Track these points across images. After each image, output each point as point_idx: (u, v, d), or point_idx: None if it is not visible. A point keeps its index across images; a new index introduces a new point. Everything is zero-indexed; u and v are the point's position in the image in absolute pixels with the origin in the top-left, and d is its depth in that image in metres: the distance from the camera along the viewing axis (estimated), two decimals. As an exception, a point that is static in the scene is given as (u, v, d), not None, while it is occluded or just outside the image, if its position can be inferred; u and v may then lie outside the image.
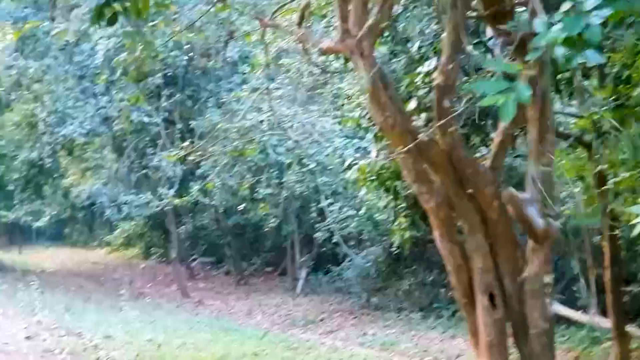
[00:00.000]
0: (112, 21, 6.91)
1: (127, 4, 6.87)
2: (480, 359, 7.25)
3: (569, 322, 16.44)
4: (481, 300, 7.10)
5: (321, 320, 21.42)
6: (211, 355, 13.80)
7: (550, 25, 3.12)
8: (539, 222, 6.36)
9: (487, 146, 10.44)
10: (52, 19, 18.89)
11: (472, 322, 7.35)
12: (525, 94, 3.07)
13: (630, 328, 13.02)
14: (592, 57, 3.27)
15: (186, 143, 13.39)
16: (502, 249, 7.20)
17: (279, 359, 14.22)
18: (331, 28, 11.51)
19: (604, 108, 9.56)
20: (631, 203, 9.29)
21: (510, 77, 3.64)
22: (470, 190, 7.16)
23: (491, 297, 7.10)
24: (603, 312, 15.81)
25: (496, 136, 7.58)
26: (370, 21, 6.82)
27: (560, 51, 3.16)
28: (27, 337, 12.60)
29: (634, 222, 3.65)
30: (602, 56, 3.40)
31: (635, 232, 3.62)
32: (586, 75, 10.41)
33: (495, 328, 7.07)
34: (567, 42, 3.12)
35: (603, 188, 10.57)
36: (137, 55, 11.69)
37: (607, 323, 14.88)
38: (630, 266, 16.32)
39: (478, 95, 9.10)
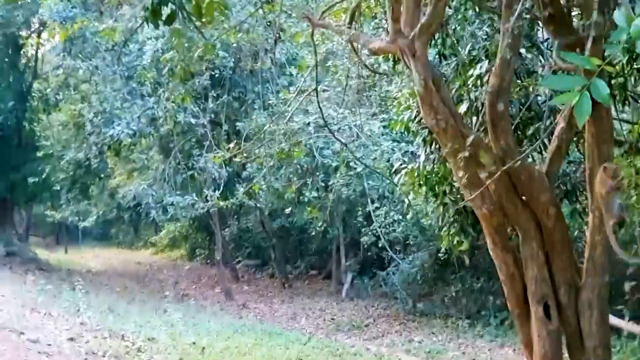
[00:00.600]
0: (170, 20, 6.68)
1: (187, 4, 6.64)
2: (534, 373, 7.00)
3: (619, 332, 16.09)
4: (535, 311, 6.86)
5: (366, 325, 21.25)
6: (255, 359, 13.67)
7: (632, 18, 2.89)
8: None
9: (539, 151, 10.18)
10: (101, 13, 18.80)
11: (526, 333, 7.11)
12: (603, 91, 2.83)
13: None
14: (678, 53, 3.04)
15: (232, 144, 13.23)
16: (558, 258, 6.95)
17: (323, 364, 14.06)
18: (380, 30, 11.32)
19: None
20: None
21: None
22: (524, 197, 6.95)
23: (546, 308, 6.86)
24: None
25: (552, 141, 7.33)
26: (422, 21, 6.62)
27: (643, 46, 2.92)
28: (70, 339, 12.54)
29: None
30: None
31: None
32: (641, 81, 10.10)
33: (550, 340, 6.82)
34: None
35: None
36: (184, 55, 11.57)
37: (660, 334, 14.55)
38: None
39: (538, 95, 8.84)
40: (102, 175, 33.34)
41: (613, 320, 14.51)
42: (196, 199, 22.84)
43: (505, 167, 6.45)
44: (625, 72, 8.76)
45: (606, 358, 6.91)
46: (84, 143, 26.96)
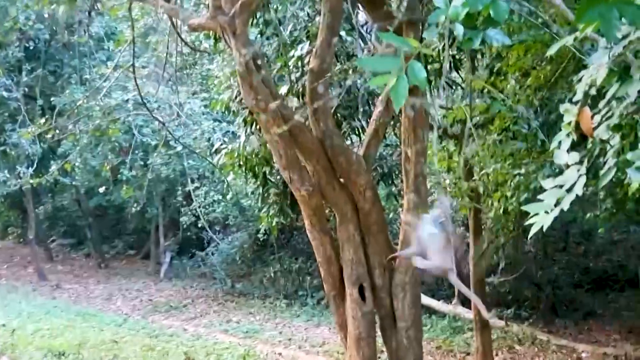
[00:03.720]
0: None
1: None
2: (348, 353, 7.06)
3: (430, 312, 16.62)
4: (351, 293, 6.92)
5: (184, 306, 21.03)
6: (67, 342, 13.28)
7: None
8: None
9: (357, 134, 10.31)
10: None
11: (341, 314, 7.16)
12: (420, 75, 2.80)
13: (491, 319, 13.22)
14: (495, 37, 3.06)
15: (43, 119, 12.70)
16: (373, 240, 7.03)
17: (139, 347, 13.79)
18: (201, 6, 11.13)
19: (477, 100, 9.55)
20: (501, 196, 9.31)
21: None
22: (342, 179, 6.97)
23: (361, 290, 6.93)
24: (464, 303, 16.06)
25: (370, 124, 7.40)
26: (243, -2, 6.49)
27: (460, 29, 2.91)
28: None
29: (530, 221, 3.47)
30: (506, 37, 3.18)
31: (532, 232, 3.44)
32: (456, 67, 10.42)
33: (365, 321, 6.90)
34: (469, 19, 2.88)
35: (472, 181, 10.57)
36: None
37: (468, 313, 15.12)
38: (492, 258, 16.59)
39: (356, 79, 8.93)
40: None
41: (425, 299, 14.99)
42: (8, 175, 21.89)
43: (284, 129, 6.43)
44: (441, 57, 8.96)
45: (417, 338, 7.06)
46: None
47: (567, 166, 3.61)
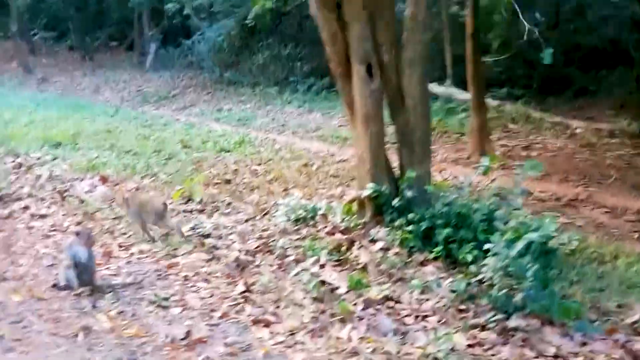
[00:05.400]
0: None
1: None
2: (356, 131, 7.02)
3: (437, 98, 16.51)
4: (358, 71, 6.78)
5: (174, 96, 20.97)
6: (62, 132, 13.25)
7: None
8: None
9: None
10: None
11: (348, 93, 7.05)
12: None
13: (486, 99, 13.17)
14: None
15: None
16: (380, 17, 6.83)
17: (133, 136, 13.75)
18: None
19: None
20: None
21: None
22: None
23: (368, 67, 6.79)
24: (457, 84, 15.99)
25: None
26: None
27: None
28: None
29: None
30: None
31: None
32: None
33: (372, 99, 6.80)
34: None
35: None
36: None
37: (461, 94, 15.11)
38: (486, 37, 16.35)
39: None
40: None
41: (433, 87, 15.00)
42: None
43: None
44: None
45: (425, 114, 7.00)
46: None
47: None
